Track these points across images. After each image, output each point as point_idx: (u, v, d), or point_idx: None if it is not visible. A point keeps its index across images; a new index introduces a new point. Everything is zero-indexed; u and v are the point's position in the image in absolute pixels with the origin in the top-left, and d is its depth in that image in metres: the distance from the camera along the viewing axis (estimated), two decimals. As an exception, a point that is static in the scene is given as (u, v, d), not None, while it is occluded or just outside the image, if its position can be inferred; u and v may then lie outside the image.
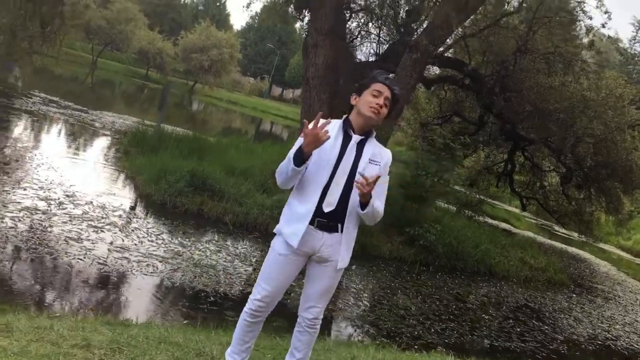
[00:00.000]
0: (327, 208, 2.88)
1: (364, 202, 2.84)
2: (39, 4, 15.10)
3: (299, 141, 2.82)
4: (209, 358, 3.62)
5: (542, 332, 8.42)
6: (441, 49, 15.37)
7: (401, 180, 11.29)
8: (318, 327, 3.19)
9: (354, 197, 2.89)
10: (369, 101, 2.90)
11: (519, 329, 8.20)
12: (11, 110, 13.89)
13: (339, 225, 2.94)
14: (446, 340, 6.83)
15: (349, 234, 2.97)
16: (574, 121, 12.75)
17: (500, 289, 10.52)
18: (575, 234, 18.18)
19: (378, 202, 2.94)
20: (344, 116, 3.04)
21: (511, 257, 12.27)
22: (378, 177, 2.76)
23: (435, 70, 19.23)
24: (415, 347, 6.25)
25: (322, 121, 2.76)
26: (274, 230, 3.05)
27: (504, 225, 20.18)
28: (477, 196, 17.70)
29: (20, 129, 12.38)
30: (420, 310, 7.78)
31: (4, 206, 6.83)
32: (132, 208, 8.67)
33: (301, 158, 2.76)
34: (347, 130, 2.96)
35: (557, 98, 12.87)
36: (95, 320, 4.27)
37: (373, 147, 2.98)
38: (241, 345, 3.20)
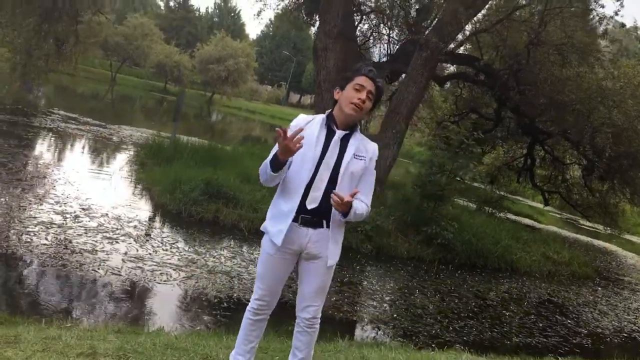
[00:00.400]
0: (310, 205, 2.85)
1: (344, 213, 2.81)
2: (54, 24, 15.37)
3: (277, 147, 2.84)
4: (214, 362, 3.63)
5: (565, 326, 8.27)
6: (452, 45, 15.31)
7: (417, 179, 11.22)
8: (317, 326, 3.16)
9: (340, 192, 2.83)
10: (351, 96, 2.87)
11: (541, 324, 8.06)
12: (30, 129, 14.15)
13: (324, 221, 2.91)
14: (464, 338, 6.75)
15: (335, 229, 2.94)
16: (591, 112, 12.55)
17: (522, 284, 10.37)
18: (601, 227, 17.86)
19: (362, 201, 2.94)
20: (328, 111, 3.01)
21: (533, 253, 12.11)
22: (355, 193, 2.77)
23: (449, 68, 19.16)
24: (433, 345, 6.18)
25: (294, 129, 2.78)
26: (261, 229, 3.05)
27: (527, 221, 19.90)
28: (497, 192, 17.51)
29: (38, 146, 12.57)
30: (438, 309, 7.70)
31: (20, 222, 6.95)
32: (147, 218, 8.74)
33: (277, 164, 2.76)
34: (330, 126, 2.93)
35: (573, 89, 12.69)
36: (104, 329, 4.31)
37: (357, 142, 2.94)
38: (246, 345, 3.20)
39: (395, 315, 7.05)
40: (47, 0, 14.52)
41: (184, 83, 50.18)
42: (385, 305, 7.46)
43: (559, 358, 6.51)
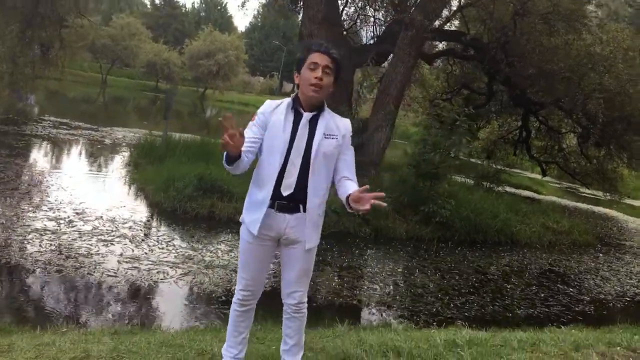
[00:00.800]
0: (285, 191, 2.82)
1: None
2: (37, 29, 15.26)
3: (251, 129, 2.83)
4: (209, 356, 3.61)
5: (567, 295, 8.27)
6: (439, 23, 15.21)
7: (411, 159, 11.19)
8: (304, 311, 3.13)
9: (315, 175, 2.83)
10: (308, 77, 2.81)
11: (542, 295, 8.07)
12: (21, 137, 14.08)
13: (301, 206, 2.87)
14: (466, 314, 6.74)
15: (313, 212, 2.89)
16: (581, 78, 12.49)
17: (522, 256, 10.36)
18: (601, 193, 17.87)
19: (350, 180, 2.90)
20: (293, 95, 2.97)
21: (533, 224, 12.11)
22: (365, 189, 2.63)
23: (439, 45, 19.03)
24: (434, 323, 6.18)
25: (261, 116, 2.81)
26: (240, 219, 3.02)
27: (526, 193, 19.91)
28: (494, 166, 17.48)
29: (31, 154, 12.52)
30: (438, 287, 7.69)
31: (14, 230, 6.93)
32: (142, 218, 8.71)
33: (230, 157, 2.67)
34: (297, 109, 2.89)
35: (562, 57, 12.62)
36: (100, 332, 4.30)
37: (327, 121, 2.90)
38: (236, 337, 3.19)
39: (395, 297, 7.05)
40: (28, 6, 14.39)
41: (175, 80, 49.99)
42: (385, 287, 7.46)
43: (562, 327, 6.50)
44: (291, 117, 2.87)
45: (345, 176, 2.91)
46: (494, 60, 13.69)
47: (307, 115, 2.86)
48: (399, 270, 8.41)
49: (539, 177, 23.77)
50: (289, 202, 2.84)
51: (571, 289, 8.60)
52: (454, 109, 11.74)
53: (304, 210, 2.87)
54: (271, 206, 2.84)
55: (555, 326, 6.44)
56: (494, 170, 16.78)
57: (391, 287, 7.49)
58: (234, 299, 3.14)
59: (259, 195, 2.88)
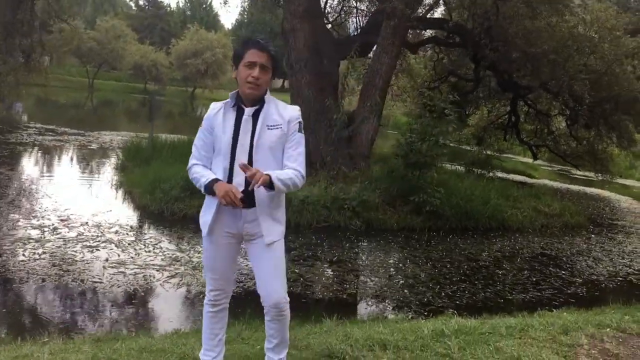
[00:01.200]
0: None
1: (265, 185, 2.70)
2: (17, 37, 15.10)
3: (199, 137, 2.93)
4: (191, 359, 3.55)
5: (559, 277, 8.24)
6: (422, 11, 15.13)
7: (398, 149, 11.13)
8: (286, 311, 3.03)
9: (260, 168, 2.74)
10: (244, 76, 2.80)
11: (534, 279, 8.03)
12: (6, 145, 13.97)
13: (255, 200, 2.83)
14: (457, 302, 6.70)
15: (265, 206, 2.85)
16: (566, 60, 12.44)
17: (514, 242, 10.33)
18: (593, 174, 17.86)
19: (292, 168, 2.85)
20: (234, 91, 2.92)
21: (524, 208, 12.07)
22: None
23: (425, 34, 18.94)
24: (425, 313, 6.14)
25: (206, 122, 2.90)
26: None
27: (519, 177, 19.88)
28: (485, 153, 17.46)
29: (16, 162, 12.40)
30: (430, 276, 7.65)
31: (-3, 241, 6.85)
32: (129, 222, 8.62)
33: (212, 193, 2.78)
34: (240, 106, 2.87)
35: (546, 40, 12.56)
36: (81, 340, 4.23)
37: (269, 114, 2.86)
38: (212, 339, 3.14)
39: (386, 289, 6.99)
40: (7, 13, 14.23)
41: (163, 81, 49.78)
42: (375, 279, 7.41)
43: (553, 310, 6.46)
44: (232, 115, 2.86)
45: (287, 165, 2.87)
46: (479, 46, 13.64)
47: (248, 111, 2.84)
48: (389, 261, 8.36)
49: (531, 161, 23.78)
50: (243, 198, 2.77)
51: (563, 272, 8.57)
52: (439, 97, 11.69)
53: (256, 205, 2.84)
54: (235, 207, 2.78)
55: (547, 310, 6.41)
56: (484, 156, 16.76)
57: (382, 279, 7.43)
58: (205, 301, 3.12)
59: (210, 198, 2.88)
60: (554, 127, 19.01)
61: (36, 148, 14.41)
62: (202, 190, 2.82)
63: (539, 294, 7.38)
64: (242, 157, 2.78)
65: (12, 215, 8.09)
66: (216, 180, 2.76)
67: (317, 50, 12.48)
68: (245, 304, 5.34)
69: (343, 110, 11.63)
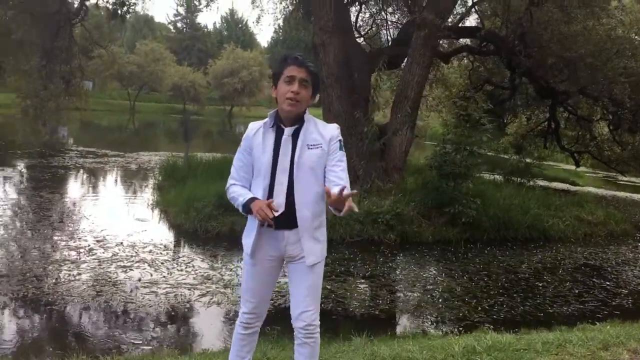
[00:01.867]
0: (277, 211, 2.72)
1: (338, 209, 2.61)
2: (58, 63, 15.55)
3: (237, 158, 2.89)
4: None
5: (603, 289, 7.92)
6: (453, 20, 14.97)
7: (432, 160, 10.96)
8: (316, 335, 2.93)
9: (301, 189, 2.74)
10: (284, 91, 2.74)
11: (577, 291, 7.73)
12: (47, 169, 14.36)
13: (297, 221, 2.78)
14: (494, 317, 6.49)
15: (307, 226, 2.79)
16: (605, 64, 12.08)
17: (556, 252, 10.01)
18: (640, 179, 17.27)
19: (339, 183, 2.75)
20: (272, 111, 2.87)
21: (566, 217, 11.71)
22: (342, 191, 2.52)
23: (458, 43, 18.73)
24: (460, 329, 5.96)
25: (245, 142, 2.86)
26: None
27: (562, 185, 19.34)
28: (524, 161, 17.06)
29: (55, 185, 12.72)
30: (466, 290, 7.45)
31: (33, 263, 6.99)
32: (163, 241, 8.68)
33: (250, 212, 2.74)
34: (279, 125, 2.81)
35: (582, 44, 12.23)
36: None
37: (308, 133, 2.80)
38: None
39: (419, 304, 6.84)
40: (47, 41, 14.69)
41: (201, 101, 50.66)
42: (409, 294, 7.26)
43: (596, 323, 6.20)
44: (272, 136, 2.81)
45: (333, 182, 2.78)
46: (513, 53, 13.38)
47: (288, 131, 2.79)
48: (424, 275, 8.19)
49: (574, 168, 23.12)
50: (285, 219, 2.75)
51: (608, 283, 8.24)
52: (474, 106, 11.46)
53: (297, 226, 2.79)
54: (268, 225, 2.74)
55: (590, 323, 6.15)
56: (523, 164, 16.37)
57: (415, 293, 7.28)
58: (237, 322, 3.04)
59: (252, 219, 2.83)
60: (596, 132, 18.45)
61: (77, 171, 14.78)
62: (240, 209, 2.78)
63: (581, 306, 7.10)
64: (282, 178, 2.75)
65: (51, 237, 8.27)
66: (254, 199, 2.73)
67: (347, 64, 12.46)
68: (273, 322, 5.29)
69: (373, 123, 11.54)
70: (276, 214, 2.64)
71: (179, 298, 6.27)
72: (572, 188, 19.19)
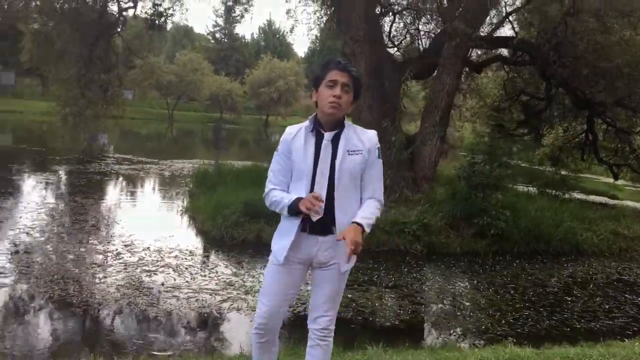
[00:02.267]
0: (314, 217, 2.69)
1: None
2: (96, 73, 15.96)
3: (276, 161, 2.84)
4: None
5: (635, 305, 7.68)
6: (489, 29, 14.82)
7: (461, 171, 10.84)
8: (330, 339, 2.92)
9: (341, 195, 2.75)
10: (326, 95, 2.73)
11: (607, 306, 7.52)
12: (83, 175, 14.73)
13: (333, 227, 2.75)
14: (518, 330, 6.36)
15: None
16: (642, 73, 11.77)
17: (588, 266, 9.75)
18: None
19: (376, 199, 2.83)
20: (312, 116, 2.86)
21: (601, 231, 11.40)
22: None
23: (493, 53, 18.52)
24: (481, 342, 5.86)
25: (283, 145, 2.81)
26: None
27: (599, 199, 18.82)
28: (561, 173, 16.70)
29: (90, 191, 13.01)
30: (490, 303, 7.32)
31: (61, 266, 7.17)
32: (189, 247, 8.79)
33: (296, 213, 2.69)
34: (318, 130, 2.79)
35: (618, 54, 11.93)
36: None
37: (349, 138, 2.78)
38: None
39: (440, 315, 6.76)
40: (85, 51, 15.09)
41: (238, 110, 51.20)
42: (431, 305, 7.18)
43: (625, 340, 6.00)
44: (312, 140, 2.79)
45: (366, 197, 2.83)
46: (547, 63, 13.14)
47: (327, 136, 2.77)
48: (448, 287, 8.08)
49: (613, 181, 22.51)
50: (320, 225, 2.74)
51: (640, 299, 7.99)
52: (507, 117, 11.31)
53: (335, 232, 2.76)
54: (302, 229, 2.75)
55: (619, 340, 5.97)
56: (559, 177, 16.02)
57: (438, 305, 7.19)
58: (252, 330, 2.97)
59: (288, 223, 2.80)
60: (635, 145, 17.93)
61: (111, 177, 15.12)
62: (285, 211, 2.73)
63: (610, 322, 6.90)
64: (322, 183, 2.73)
65: (81, 241, 8.46)
66: (299, 199, 2.69)
67: (378, 74, 12.45)
68: (290, 329, 5.31)
69: (401, 132, 11.48)
70: (322, 204, 2.63)
71: (200, 303, 6.34)
72: (611, 201, 18.68)
